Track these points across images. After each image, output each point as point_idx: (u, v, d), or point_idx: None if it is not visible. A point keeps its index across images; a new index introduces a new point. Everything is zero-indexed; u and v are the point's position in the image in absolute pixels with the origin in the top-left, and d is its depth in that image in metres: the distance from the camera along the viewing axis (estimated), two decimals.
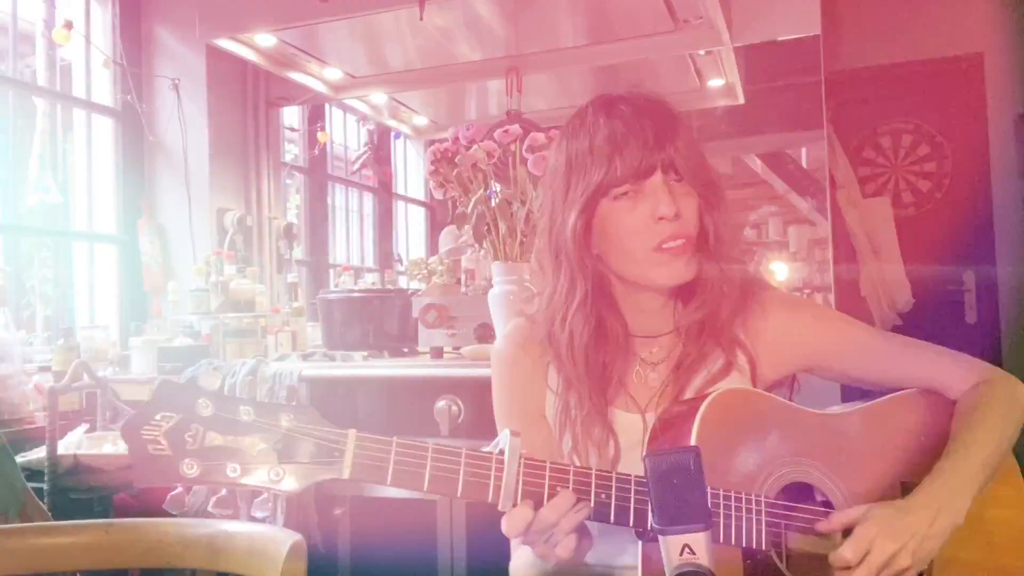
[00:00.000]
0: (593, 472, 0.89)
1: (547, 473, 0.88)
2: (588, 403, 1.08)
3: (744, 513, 0.93)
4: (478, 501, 0.85)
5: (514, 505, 0.86)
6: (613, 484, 0.89)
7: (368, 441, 0.82)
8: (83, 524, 1.15)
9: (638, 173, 1.02)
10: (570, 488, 0.87)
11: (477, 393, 2.04)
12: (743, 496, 0.94)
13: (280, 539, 1.03)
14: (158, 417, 0.78)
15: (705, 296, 1.08)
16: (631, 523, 0.89)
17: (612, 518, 0.89)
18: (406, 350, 2.63)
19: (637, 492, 0.89)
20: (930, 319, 3.65)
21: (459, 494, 0.84)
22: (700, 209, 1.06)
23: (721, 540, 0.91)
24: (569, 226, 1.06)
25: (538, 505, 0.87)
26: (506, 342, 1.20)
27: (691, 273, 1.07)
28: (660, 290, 1.10)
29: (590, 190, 1.04)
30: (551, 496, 0.87)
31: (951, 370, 1.09)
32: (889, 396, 1.10)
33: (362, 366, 2.39)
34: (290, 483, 0.79)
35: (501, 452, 0.87)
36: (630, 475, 0.90)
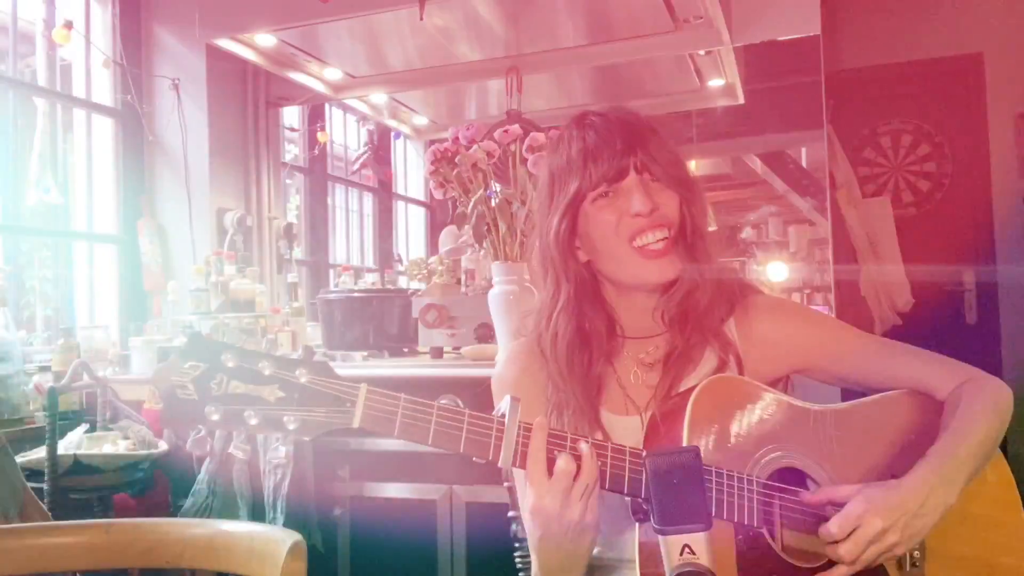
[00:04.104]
0: (590, 440, 0.93)
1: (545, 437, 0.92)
2: (574, 402, 1.11)
3: (737, 490, 0.96)
4: (479, 457, 0.90)
5: (513, 464, 0.90)
6: (609, 453, 0.93)
7: (378, 395, 0.88)
8: (83, 524, 1.15)
9: (612, 175, 1.08)
10: (567, 453, 0.91)
11: (477, 393, 2.02)
12: (735, 474, 0.97)
13: (280, 539, 1.04)
14: (187, 366, 0.84)
15: (683, 286, 1.11)
16: (625, 490, 0.92)
17: (607, 484, 0.92)
18: (406, 350, 2.63)
19: (632, 462, 0.92)
20: (930, 319, 3.65)
21: (462, 449, 0.90)
22: (680, 205, 1.11)
23: (713, 513, 0.94)
24: (551, 231, 1.12)
25: None
26: (508, 366, 1.21)
27: (676, 270, 1.10)
28: (649, 289, 1.12)
29: (569, 196, 1.10)
30: (550, 460, 0.90)
31: (938, 372, 1.13)
32: (878, 395, 1.13)
33: (362, 366, 2.40)
34: (303, 430, 0.85)
35: (503, 416, 0.91)
36: (625, 446, 0.93)
